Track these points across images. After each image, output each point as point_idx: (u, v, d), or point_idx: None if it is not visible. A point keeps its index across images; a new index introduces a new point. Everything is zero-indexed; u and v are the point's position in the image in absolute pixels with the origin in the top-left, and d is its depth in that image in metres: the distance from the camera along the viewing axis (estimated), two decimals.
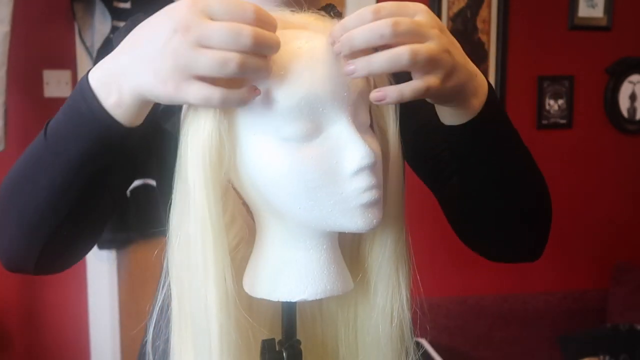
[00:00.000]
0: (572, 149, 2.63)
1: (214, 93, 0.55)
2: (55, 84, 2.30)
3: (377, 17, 0.56)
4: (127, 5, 2.22)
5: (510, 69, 2.52)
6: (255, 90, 0.57)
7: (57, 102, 2.28)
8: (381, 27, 0.55)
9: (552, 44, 2.57)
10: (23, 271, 0.70)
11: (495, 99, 0.68)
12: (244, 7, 0.54)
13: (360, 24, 0.56)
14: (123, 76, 0.59)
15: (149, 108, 0.62)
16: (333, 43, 0.58)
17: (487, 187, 0.71)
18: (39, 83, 2.29)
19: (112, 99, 0.59)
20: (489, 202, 0.72)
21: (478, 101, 0.65)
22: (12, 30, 1.98)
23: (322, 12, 0.67)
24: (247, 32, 0.53)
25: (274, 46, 0.56)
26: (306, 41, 0.61)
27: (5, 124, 2.04)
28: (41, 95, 2.28)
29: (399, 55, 0.56)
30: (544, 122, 2.59)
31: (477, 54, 2.48)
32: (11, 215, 0.66)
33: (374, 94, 0.58)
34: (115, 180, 0.67)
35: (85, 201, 0.64)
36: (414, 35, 0.57)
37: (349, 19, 0.57)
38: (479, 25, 2.48)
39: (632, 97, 2.66)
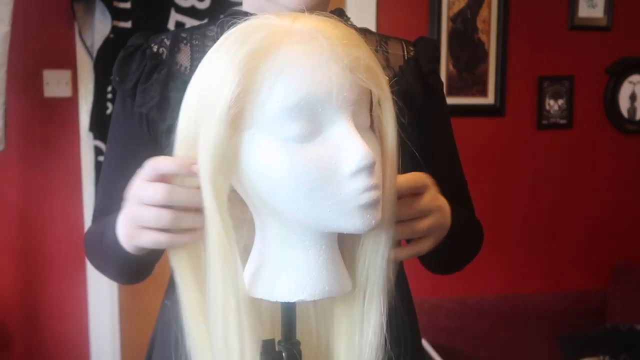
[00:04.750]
0: (572, 149, 2.63)
1: (161, 238, 0.66)
2: (55, 84, 2.29)
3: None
4: (127, 5, 2.22)
5: (510, 69, 2.52)
6: (196, 232, 0.65)
7: (57, 102, 2.29)
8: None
9: (552, 44, 2.57)
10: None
11: (454, 214, 0.81)
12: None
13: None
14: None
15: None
16: None
17: (445, 260, 0.92)
18: (39, 83, 2.28)
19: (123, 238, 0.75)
20: (444, 263, 0.94)
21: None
22: (12, 30, 1.98)
23: (334, 16, 0.67)
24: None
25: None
26: (307, 42, 0.61)
27: (5, 124, 2.04)
28: (41, 95, 2.28)
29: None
30: (544, 122, 2.59)
31: (477, 54, 2.48)
32: (103, 270, 0.92)
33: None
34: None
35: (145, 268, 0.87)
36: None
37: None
38: (479, 25, 2.48)
39: (632, 97, 2.66)
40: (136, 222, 0.68)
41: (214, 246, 0.63)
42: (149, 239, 0.67)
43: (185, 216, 0.65)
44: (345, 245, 0.71)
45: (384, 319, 0.69)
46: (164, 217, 0.65)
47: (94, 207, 0.96)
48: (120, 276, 0.92)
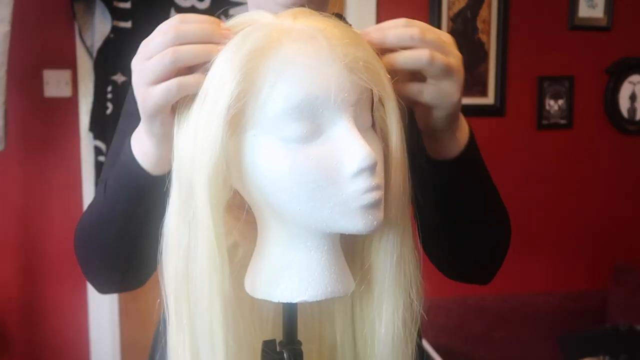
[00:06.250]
0: (572, 149, 2.63)
1: (171, 83, 0.62)
2: (55, 84, 2.29)
3: (410, 25, 0.67)
4: (127, 5, 2.22)
5: (510, 69, 2.52)
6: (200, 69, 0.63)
7: (57, 102, 2.29)
8: (412, 31, 0.66)
9: (552, 44, 2.57)
10: (111, 292, 0.95)
11: (475, 141, 0.78)
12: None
13: (395, 27, 0.67)
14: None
15: (166, 155, 0.69)
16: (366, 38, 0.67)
17: (462, 218, 0.83)
18: (39, 83, 2.28)
19: (137, 147, 0.72)
20: (461, 229, 0.84)
21: (463, 136, 0.77)
22: (12, 30, 1.98)
23: (335, 17, 0.67)
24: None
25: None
26: (307, 42, 0.60)
27: (5, 124, 2.04)
28: (41, 95, 2.28)
29: (420, 55, 0.65)
30: (544, 122, 2.59)
31: (477, 54, 2.48)
32: (94, 254, 0.84)
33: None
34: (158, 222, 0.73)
35: (141, 239, 0.77)
36: (438, 46, 0.67)
37: (385, 22, 0.68)
38: (479, 25, 2.48)
39: (632, 97, 2.66)
40: (144, 80, 0.64)
41: (202, 250, 0.61)
42: (160, 90, 0.63)
43: (185, 48, 0.62)
44: (350, 245, 0.71)
45: (398, 317, 0.69)
46: (166, 54, 0.61)
47: (99, 182, 0.92)
48: (119, 238, 0.80)
